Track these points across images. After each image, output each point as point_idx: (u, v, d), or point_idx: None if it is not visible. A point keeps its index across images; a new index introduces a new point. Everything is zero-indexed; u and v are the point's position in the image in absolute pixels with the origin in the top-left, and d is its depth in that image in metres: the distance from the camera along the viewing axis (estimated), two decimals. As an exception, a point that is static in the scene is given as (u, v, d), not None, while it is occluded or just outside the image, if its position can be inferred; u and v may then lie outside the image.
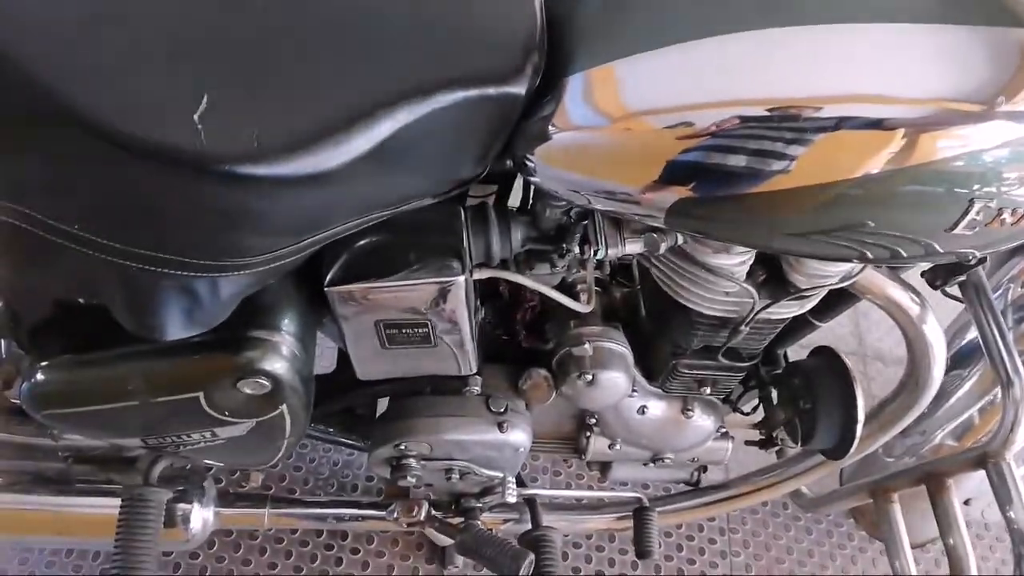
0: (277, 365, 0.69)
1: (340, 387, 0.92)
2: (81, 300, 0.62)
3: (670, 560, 1.35)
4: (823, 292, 0.81)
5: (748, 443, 1.09)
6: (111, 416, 0.70)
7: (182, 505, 0.95)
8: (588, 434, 1.00)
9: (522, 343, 0.91)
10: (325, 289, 0.70)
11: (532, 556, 0.80)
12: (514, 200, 0.82)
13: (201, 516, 0.96)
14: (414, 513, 0.89)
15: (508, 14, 0.62)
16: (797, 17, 0.58)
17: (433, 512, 0.91)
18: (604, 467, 1.08)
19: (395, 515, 0.90)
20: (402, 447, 0.88)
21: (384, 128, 0.56)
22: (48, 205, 0.54)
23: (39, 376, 0.70)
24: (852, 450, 0.89)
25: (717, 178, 0.59)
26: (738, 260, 0.75)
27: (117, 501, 0.86)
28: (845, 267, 0.77)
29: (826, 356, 0.93)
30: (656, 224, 0.66)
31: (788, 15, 0.58)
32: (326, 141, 0.54)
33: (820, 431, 0.90)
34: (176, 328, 0.61)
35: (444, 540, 1.22)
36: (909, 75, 0.56)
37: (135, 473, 0.90)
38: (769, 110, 0.56)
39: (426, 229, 0.72)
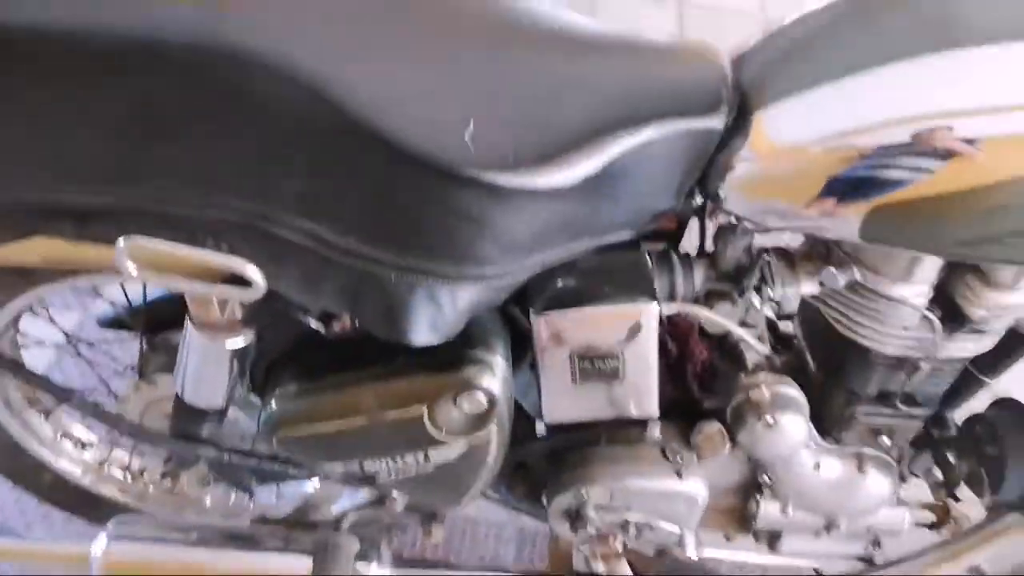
0: (493, 383, 0.75)
1: (515, 440, 0.96)
2: (337, 313, 0.70)
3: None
4: (1002, 328, 0.83)
5: (919, 524, 1.06)
6: (341, 436, 0.77)
7: (361, 563, 0.97)
8: (759, 497, 1.00)
9: (694, 396, 0.94)
10: (532, 317, 0.77)
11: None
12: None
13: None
14: (610, 544, 0.89)
15: (701, 61, 0.72)
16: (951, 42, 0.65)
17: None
18: (773, 537, 1.05)
19: (590, 550, 0.90)
20: (583, 495, 0.90)
21: (611, 152, 0.65)
22: (335, 222, 0.64)
23: (276, 403, 0.78)
24: (1049, 498, 0.86)
25: (901, 185, 0.65)
26: (917, 290, 0.79)
27: (297, 561, 0.91)
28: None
29: (1007, 404, 0.92)
30: (851, 237, 0.71)
31: (940, 40, 0.66)
32: (566, 160, 0.63)
33: (1011, 478, 0.88)
34: (422, 333, 0.69)
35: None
36: None
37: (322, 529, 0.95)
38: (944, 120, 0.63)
39: (617, 267, 0.79)
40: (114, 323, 1.05)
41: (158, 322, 0.97)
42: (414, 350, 0.75)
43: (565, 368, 0.81)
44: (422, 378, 0.75)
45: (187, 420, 0.86)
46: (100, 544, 0.95)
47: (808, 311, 0.91)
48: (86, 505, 1.17)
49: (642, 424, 0.89)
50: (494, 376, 0.75)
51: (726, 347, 0.94)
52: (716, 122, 0.69)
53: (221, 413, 0.86)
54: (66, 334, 1.02)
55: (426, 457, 0.79)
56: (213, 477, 0.99)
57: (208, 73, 0.59)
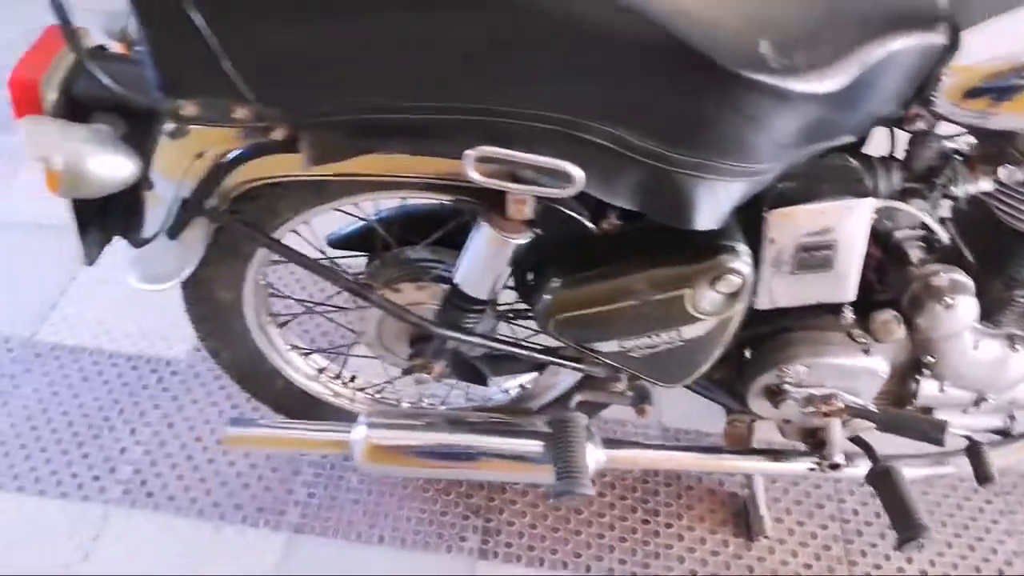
0: (744, 266, 0.90)
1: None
2: (632, 207, 0.84)
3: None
4: None
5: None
6: (611, 317, 0.92)
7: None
8: (919, 376, 1.15)
9: (870, 287, 1.09)
10: (765, 213, 0.91)
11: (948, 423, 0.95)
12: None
13: (595, 455, 1.14)
14: (832, 403, 1.05)
15: None
16: None
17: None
18: (926, 413, 1.21)
19: (809, 410, 1.06)
20: (783, 372, 1.06)
21: (866, 61, 0.79)
22: (636, 126, 0.78)
23: (551, 292, 0.93)
24: None
25: None
26: (1083, 182, 0.93)
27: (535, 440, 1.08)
28: None
29: None
30: None
31: None
32: (834, 68, 0.77)
33: None
34: (703, 221, 0.83)
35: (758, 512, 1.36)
36: None
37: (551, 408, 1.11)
38: None
39: (830, 169, 0.94)
40: (341, 243, 1.20)
41: (383, 241, 1.12)
42: (668, 243, 0.91)
43: (786, 258, 0.95)
44: (684, 265, 0.90)
45: (455, 310, 1.01)
46: (360, 430, 1.12)
47: (961, 208, 1.06)
48: (309, 409, 1.34)
49: (833, 309, 1.05)
50: (743, 260, 0.90)
51: (890, 246, 1.09)
52: (940, 38, 0.82)
53: (486, 305, 1.01)
54: (322, 251, 1.16)
55: (679, 334, 0.94)
56: (452, 370, 1.15)
57: (540, 2, 0.72)
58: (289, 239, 1.06)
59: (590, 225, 0.91)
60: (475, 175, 0.80)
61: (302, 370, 1.30)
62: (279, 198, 0.99)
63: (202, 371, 1.57)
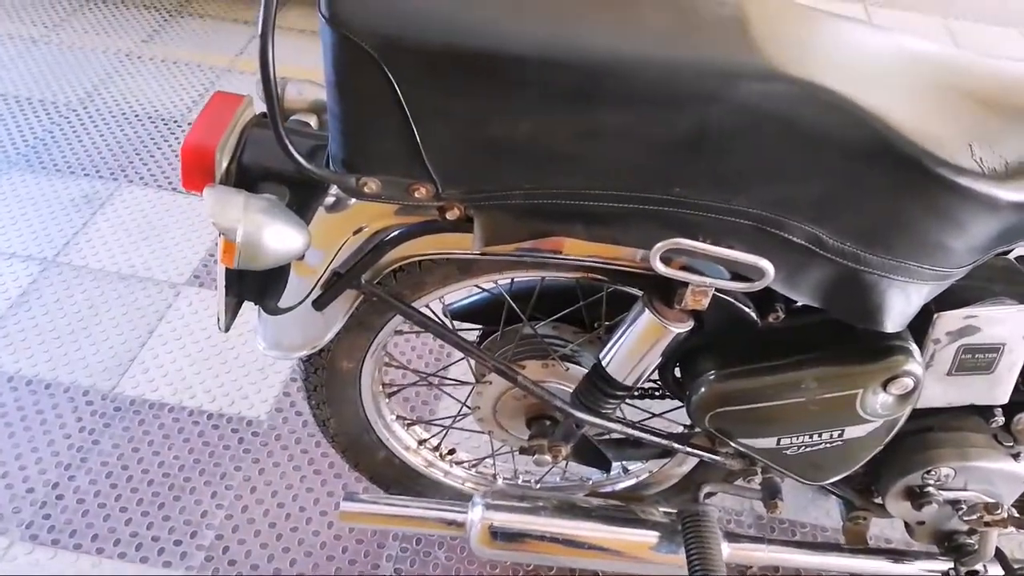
0: (917, 368, 0.87)
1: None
2: (815, 304, 0.82)
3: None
4: None
5: None
6: (775, 413, 0.89)
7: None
8: (1053, 481, 1.11)
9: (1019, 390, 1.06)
10: (936, 314, 0.89)
11: None
12: None
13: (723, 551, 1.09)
14: (997, 513, 1.00)
15: None
16: None
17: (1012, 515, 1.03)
18: (1057, 521, 1.17)
19: (971, 517, 1.02)
20: (929, 475, 1.02)
21: None
22: (836, 226, 0.76)
23: (710, 384, 0.91)
24: None
25: None
26: None
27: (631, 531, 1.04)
28: None
29: None
30: None
31: None
32: None
33: None
34: (892, 323, 0.81)
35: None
36: None
37: (682, 500, 1.07)
38: None
39: (997, 271, 0.92)
40: (463, 314, 1.18)
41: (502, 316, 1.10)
42: (836, 339, 0.88)
43: (948, 359, 0.93)
44: (857, 364, 0.87)
45: (596, 392, 0.98)
46: (477, 511, 1.08)
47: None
48: (402, 481, 1.30)
49: (979, 410, 1.01)
50: (916, 361, 0.87)
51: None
52: None
53: (629, 391, 0.98)
54: (441, 323, 1.14)
55: (841, 434, 0.91)
56: (573, 452, 1.11)
57: (752, 100, 0.71)
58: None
59: (755, 317, 0.89)
60: (661, 267, 0.78)
61: (404, 441, 1.27)
62: (427, 272, 0.97)
63: (283, 432, 1.54)
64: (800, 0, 0.88)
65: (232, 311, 0.97)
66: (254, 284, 0.97)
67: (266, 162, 0.86)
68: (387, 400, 1.22)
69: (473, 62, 0.70)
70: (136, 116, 2.36)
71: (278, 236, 0.79)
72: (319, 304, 0.93)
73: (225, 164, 0.84)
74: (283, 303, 0.96)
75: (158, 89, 2.49)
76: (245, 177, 0.86)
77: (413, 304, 1.02)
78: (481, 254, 0.90)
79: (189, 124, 2.35)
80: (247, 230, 0.78)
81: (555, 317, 1.10)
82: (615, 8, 0.77)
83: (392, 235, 0.88)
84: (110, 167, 2.15)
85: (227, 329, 0.96)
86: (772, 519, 1.50)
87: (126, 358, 1.64)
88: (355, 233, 0.90)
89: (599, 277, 0.95)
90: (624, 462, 1.21)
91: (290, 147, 0.75)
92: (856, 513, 1.17)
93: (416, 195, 0.79)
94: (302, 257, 0.90)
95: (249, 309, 1.01)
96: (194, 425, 1.53)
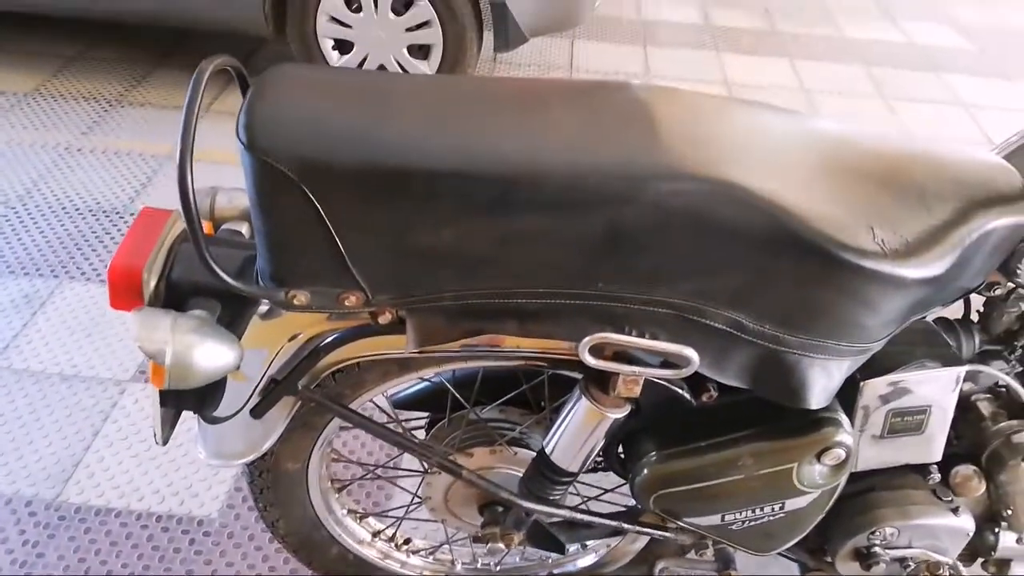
0: (847, 438, 0.89)
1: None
2: (742, 385, 0.85)
3: None
4: None
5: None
6: (716, 491, 0.90)
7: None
8: (997, 530, 1.14)
9: (951, 444, 1.09)
10: (860, 382, 0.92)
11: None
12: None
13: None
14: (939, 571, 1.02)
15: (999, 166, 0.89)
16: None
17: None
18: (1001, 565, 1.19)
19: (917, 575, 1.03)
20: (874, 535, 1.04)
21: (965, 243, 0.81)
22: (755, 311, 0.79)
23: (651, 466, 0.92)
24: None
25: None
26: None
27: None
28: None
29: None
30: None
31: None
32: (943, 249, 0.79)
33: None
34: (815, 399, 0.83)
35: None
36: None
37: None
38: None
39: (918, 336, 0.96)
40: (407, 403, 1.18)
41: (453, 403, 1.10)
42: (768, 416, 0.90)
43: (879, 424, 0.95)
44: (789, 439, 0.89)
45: (542, 479, 0.99)
46: (432, 606, 1.06)
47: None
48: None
49: (916, 468, 1.04)
50: (846, 431, 0.90)
51: (967, 403, 1.10)
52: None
53: (574, 476, 0.98)
54: (390, 415, 1.14)
55: (782, 507, 0.93)
56: (526, 537, 1.11)
57: (660, 199, 0.74)
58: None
59: (689, 398, 0.91)
60: (590, 359, 0.80)
61: (357, 535, 1.25)
62: (365, 371, 0.97)
63: (236, 530, 1.50)
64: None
65: (170, 423, 0.96)
66: (191, 395, 0.96)
67: (196, 277, 0.86)
68: (337, 495, 1.21)
69: (389, 179, 0.72)
70: (77, 210, 2.34)
71: (208, 354, 0.79)
72: (257, 412, 0.92)
73: (153, 283, 0.84)
74: (221, 412, 0.95)
75: (99, 181, 2.48)
76: (175, 294, 0.86)
77: (356, 400, 1.02)
78: (419, 352, 0.91)
79: (132, 215, 2.34)
80: (175, 351, 0.77)
81: (500, 401, 1.11)
82: (526, 116, 0.80)
83: (327, 340, 0.89)
84: (51, 264, 2.12)
85: (165, 442, 0.95)
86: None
87: (70, 463, 1.60)
88: (290, 340, 0.90)
89: (538, 364, 0.96)
90: (577, 543, 1.21)
91: (215, 267, 0.75)
92: (811, 574, 1.18)
93: (346, 303, 0.80)
94: (237, 367, 0.90)
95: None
96: (143, 529, 1.48)
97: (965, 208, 0.83)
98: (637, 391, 0.86)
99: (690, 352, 0.79)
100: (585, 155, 0.75)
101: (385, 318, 0.84)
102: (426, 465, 1.16)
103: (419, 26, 2.81)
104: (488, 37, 2.92)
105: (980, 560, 1.19)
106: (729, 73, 3.65)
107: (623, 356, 0.84)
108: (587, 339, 0.79)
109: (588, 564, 1.27)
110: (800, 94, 3.51)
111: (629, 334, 0.80)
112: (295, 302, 0.79)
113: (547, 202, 0.74)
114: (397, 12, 2.79)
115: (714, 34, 4.03)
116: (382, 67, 2.91)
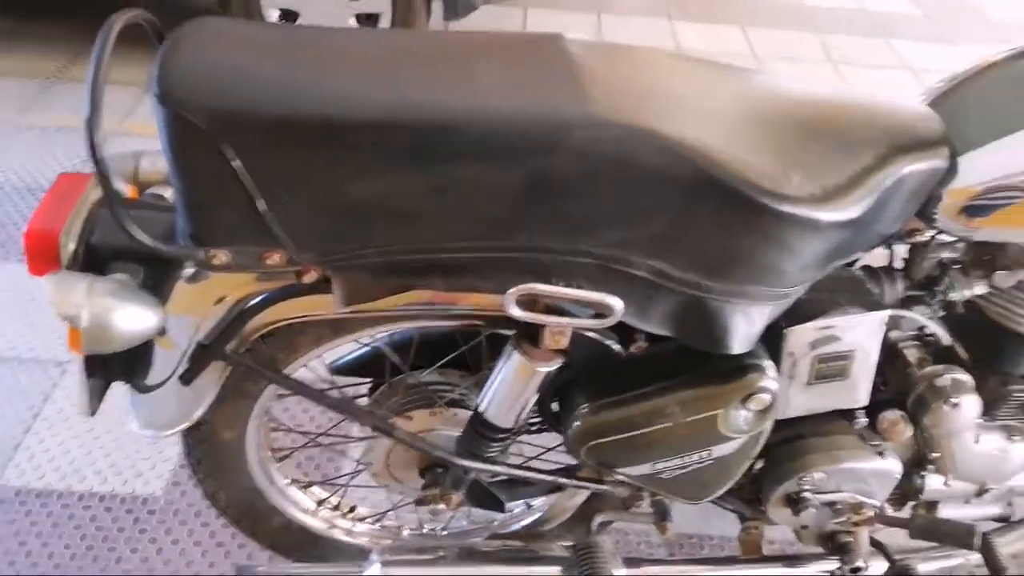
0: (772, 383, 0.91)
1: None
2: (666, 333, 0.86)
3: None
4: None
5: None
6: (645, 440, 0.92)
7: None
8: (923, 473, 1.18)
9: (878, 390, 1.12)
10: (784, 329, 0.94)
11: (980, 529, 0.96)
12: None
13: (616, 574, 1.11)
14: (863, 512, 1.05)
15: (922, 114, 0.91)
16: None
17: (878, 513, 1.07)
18: (931, 507, 1.23)
19: (839, 519, 1.06)
20: (803, 481, 1.06)
21: (881, 187, 0.83)
22: (678, 259, 0.80)
23: (582, 418, 0.93)
24: None
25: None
26: (1066, 283, 0.99)
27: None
28: None
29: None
30: None
31: None
32: (859, 193, 0.81)
33: None
34: (739, 345, 0.85)
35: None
36: None
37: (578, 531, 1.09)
38: None
39: (842, 283, 0.98)
40: (347, 369, 1.17)
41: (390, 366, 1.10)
42: (697, 363, 0.92)
43: (805, 370, 0.97)
44: (715, 386, 0.91)
45: (478, 438, 0.99)
46: (374, 568, 1.07)
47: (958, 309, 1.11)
48: (305, 546, 1.27)
49: (844, 414, 1.07)
50: (771, 376, 0.91)
51: (893, 349, 1.13)
52: (942, 162, 0.88)
53: (510, 432, 0.99)
54: (331, 381, 1.13)
55: (710, 454, 0.94)
56: (467, 497, 1.11)
57: (584, 147, 0.75)
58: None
59: (619, 349, 0.92)
60: (516, 311, 0.80)
61: (301, 504, 1.25)
62: (297, 335, 0.96)
63: (181, 507, 1.49)
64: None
65: (98, 394, 0.94)
66: (119, 364, 0.94)
67: (116, 241, 0.84)
68: (278, 465, 1.20)
69: (308, 131, 0.71)
70: (15, 188, 2.27)
71: (127, 317, 0.78)
72: (186, 378, 0.91)
73: (72, 247, 0.82)
74: (151, 380, 0.94)
75: (37, 159, 2.41)
76: (94, 259, 0.84)
77: (291, 365, 1.02)
78: (350, 312, 0.90)
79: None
80: (92, 313, 0.76)
81: (440, 363, 1.11)
82: (452, 68, 0.80)
83: (253, 302, 0.88)
84: (-14, 245, 2.06)
85: (93, 413, 0.93)
86: (682, 536, 1.53)
87: (10, 445, 1.56)
88: (216, 303, 0.89)
89: (475, 323, 0.97)
90: (518, 501, 1.22)
91: (127, 226, 0.74)
92: (748, 524, 1.21)
93: (269, 263, 0.79)
94: (163, 332, 0.89)
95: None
96: (85, 510, 1.46)
97: (883, 153, 0.85)
98: (564, 343, 0.87)
99: (613, 301, 0.80)
100: (509, 104, 0.75)
101: (311, 277, 0.83)
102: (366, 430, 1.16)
103: (365, -5, 2.77)
104: (438, 5, 2.88)
105: (911, 503, 1.23)
106: (681, 40, 3.66)
107: (553, 309, 0.85)
108: (511, 291, 0.79)
109: (532, 521, 1.28)
110: (751, 60, 3.54)
111: (555, 285, 0.81)
112: (215, 262, 0.78)
113: (469, 152, 0.74)
114: (341, -19, 2.75)
115: (667, 1, 4.03)
116: (328, 39, 2.86)
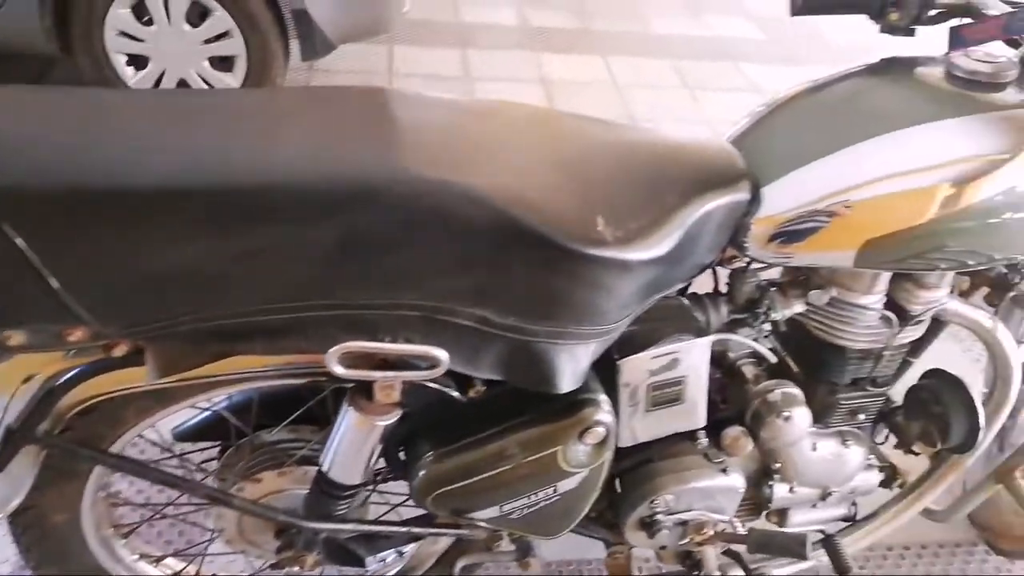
0: (606, 416, 0.94)
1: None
2: (496, 378, 0.86)
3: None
4: (928, 318, 1.13)
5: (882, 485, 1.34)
6: (490, 484, 0.92)
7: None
8: (770, 483, 1.23)
9: (719, 408, 1.17)
10: (617, 361, 0.97)
11: (810, 537, 1.01)
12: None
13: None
14: (704, 531, 1.08)
15: (722, 149, 0.97)
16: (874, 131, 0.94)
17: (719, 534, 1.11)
18: (782, 514, 1.30)
19: (684, 541, 1.09)
20: (655, 504, 1.10)
21: (687, 224, 0.87)
22: (499, 306, 0.81)
23: (425, 468, 0.92)
24: (981, 437, 1.16)
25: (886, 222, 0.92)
26: (876, 298, 1.07)
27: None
28: (943, 293, 1.09)
29: (938, 373, 1.22)
30: (845, 265, 0.97)
31: (871, 129, 0.94)
32: (666, 231, 0.85)
33: (955, 426, 1.17)
34: (566, 383, 0.87)
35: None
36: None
37: None
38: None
39: (668, 313, 1.02)
40: (190, 435, 1.13)
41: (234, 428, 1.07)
42: (534, 403, 0.94)
43: (641, 399, 1.01)
44: (551, 424, 0.93)
45: (326, 499, 0.97)
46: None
47: (782, 327, 1.18)
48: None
49: (688, 435, 1.11)
50: (605, 411, 0.94)
51: (729, 368, 1.18)
52: (744, 195, 0.93)
53: (358, 489, 0.97)
54: (170, 450, 1.08)
55: (555, 490, 0.96)
56: (325, 556, 1.09)
57: (395, 204, 0.75)
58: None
59: (457, 395, 0.92)
60: (339, 369, 0.80)
61: (153, 578, 1.18)
62: (119, 408, 0.92)
63: (29, 593, 1.38)
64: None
65: None
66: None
67: None
68: (124, 541, 1.14)
69: (92, 201, 0.69)
70: None
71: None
72: (-2, 465, 0.85)
73: None
74: (-40, 469, 0.87)
75: None
76: None
77: (120, 440, 0.97)
78: (174, 381, 0.87)
79: None
80: None
81: (288, 420, 1.08)
82: (261, 127, 0.79)
83: (63, 380, 0.83)
84: None
85: None
86: (562, 563, 1.54)
87: None
88: (25, 382, 0.84)
89: (318, 378, 0.95)
90: (377, 555, 1.20)
91: None
92: (613, 549, 1.24)
93: (71, 339, 0.75)
94: (-34, 419, 0.83)
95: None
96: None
97: (686, 191, 0.90)
98: (396, 396, 0.86)
99: (438, 352, 0.80)
100: (316, 163, 0.74)
101: (121, 350, 0.80)
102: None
103: (218, 37, 2.70)
104: (296, 45, 2.85)
105: (764, 513, 1.29)
106: (547, 71, 3.75)
107: (387, 362, 0.84)
108: (332, 350, 0.78)
109: (401, 569, 1.26)
110: (613, 89, 3.67)
111: (382, 340, 0.81)
112: (10, 343, 0.73)
113: (269, 215, 0.73)
114: (193, 23, 2.67)
115: (531, 34, 4.13)
116: (183, 82, 2.78)
